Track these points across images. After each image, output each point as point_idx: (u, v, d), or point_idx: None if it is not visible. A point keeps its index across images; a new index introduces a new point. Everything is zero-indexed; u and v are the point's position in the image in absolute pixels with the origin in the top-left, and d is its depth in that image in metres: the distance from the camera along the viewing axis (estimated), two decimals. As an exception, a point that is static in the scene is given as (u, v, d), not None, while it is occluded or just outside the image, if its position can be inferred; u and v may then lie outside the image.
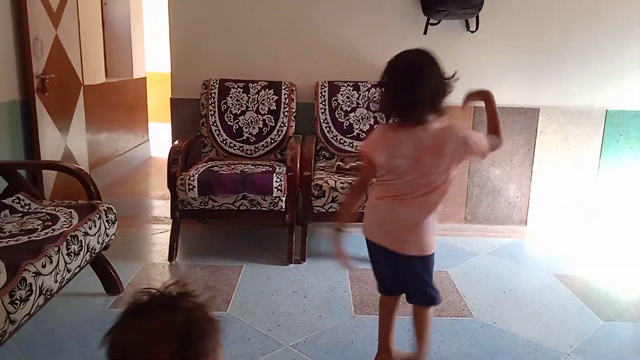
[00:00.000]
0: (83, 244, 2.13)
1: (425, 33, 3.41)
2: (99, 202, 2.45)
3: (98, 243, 2.28)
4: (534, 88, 3.56)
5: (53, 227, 2.12)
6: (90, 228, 2.22)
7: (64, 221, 2.20)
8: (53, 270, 1.89)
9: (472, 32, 3.43)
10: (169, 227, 3.06)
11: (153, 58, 6.87)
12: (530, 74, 3.54)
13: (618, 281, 2.89)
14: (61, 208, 2.36)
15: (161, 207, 3.94)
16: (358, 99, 3.38)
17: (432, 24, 3.41)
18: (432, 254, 1.87)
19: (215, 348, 0.82)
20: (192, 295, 0.85)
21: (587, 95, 3.57)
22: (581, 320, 2.43)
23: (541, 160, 3.64)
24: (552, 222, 3.71)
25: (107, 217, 2.37)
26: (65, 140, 3.44)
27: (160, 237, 3.35)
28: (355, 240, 3.38)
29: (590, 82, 3.55)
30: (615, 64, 3.53)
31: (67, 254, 2.01)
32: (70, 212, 2.30)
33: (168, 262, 2.96)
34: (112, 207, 2.45)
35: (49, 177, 3.23)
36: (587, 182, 3.69)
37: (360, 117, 3.37)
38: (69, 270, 2.02)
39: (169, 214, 3.04)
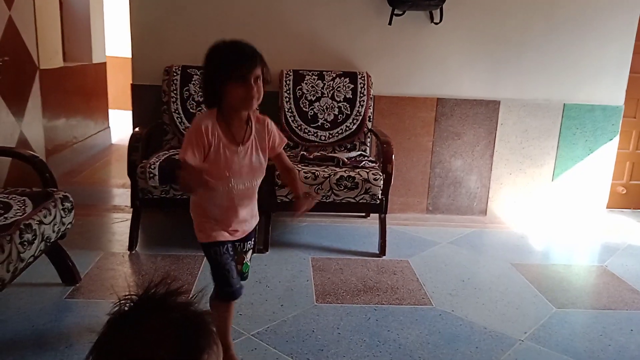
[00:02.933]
0: (37, 233, 2.07)
1: (390, 24, 3.42)
2: (55, 189, 2.38)
3: (53, 232, 2.22)
4: (494, 81, 3.63)
5: (5, 216, 2.05)
6: (45, 216, 2.15)
7: (17, 209, 2.12)
8: (5, 259, 1.83)
9: (436, 23, 3.46)
10: (130, 216, 3.00)
11: (114, 42, 6.70)
12: (491, 67, 3.60)
13: (571, 270, 2.99)
14: (14, 196, 2.28)
15: (122, 195, 3.86)
16: (323, 88, 3.37)
17: (397, 15, 3.43)
18: (202, 244, 1.80)
19: (215, 342, 0.80)
20: (179, 293, 0.82)
21: (545, 88, 3.66)
22: (535, 308, 2.50)
23: (501, 152, 3.72)
24: (511, 212, 3.81)
25: (63, 205, 2.30)
26: (20, 126, 3.33)
27: (120, 226, 3.28)
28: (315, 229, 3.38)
29: (548, 75, 3.64)
30: (572, 59, 3.63)
31: (20, 243, 1.95)
32: (24, 200, 2.23)
33: (128, 252, 2.91)
34: (68, 195, 2.38)
35: (3, 164, 3.13)
36: (545, 173, 3.79)
37: (324, 107, 3.37)
38: (22, 260, 1.95)
39: (129, 203, 2.98)
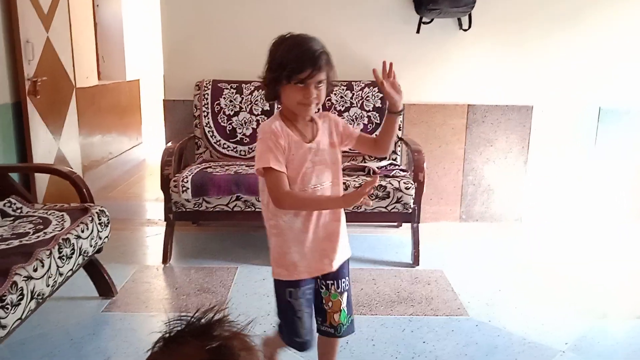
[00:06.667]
0: (75, 247, 2.12)
1: (418, 32, 3.40)
2: (92, 204, 2.43)
3: (91, 246, 2.26)
4: (527, 85, 3.56)
5: (45, 231, 2.11)
6: (82, 231, 2.20)
7: (56, 224, 2.18)
8: (45, 274, 1.88)
9: (465, 30, 3.43)
10: (163, 229, 3.05)
11: (147, 59, 6.83)
12: (523, 72, 3.54)
13: (613, 278, 2.89)
14: (53, 211, 2.34)
15: (155, 209, 3.92)
16: (352, 98, 3.37)
17: (425, 23, 3.41)
18: (275, 281, 1.65)
19: None
20: (229, 322, 0.82)
21: (579, 92, 3.58)
22: (576, 317, 2.43)
23: (535, 158, 3.64)
24: (547, 219, 3.71)
25: (99, 219, 2.35)
26: (57, 143, 3.42)
27: (154, 239, 3.33)
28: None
29: (582, 79, 3.56)
30: (607, 62, 3.54)
31: (59, 258, 1.99)
32: (62, 215, 2.29)
33: (162, 265, 2.95)
34: (104, 209, 2.43)
35: (42, 181, 3.22)
36: (581, 179, 3.69)
37: (354, 117, 3.36)
38: (61, 274, 2.00)
39: (162, 216, 3.03)
